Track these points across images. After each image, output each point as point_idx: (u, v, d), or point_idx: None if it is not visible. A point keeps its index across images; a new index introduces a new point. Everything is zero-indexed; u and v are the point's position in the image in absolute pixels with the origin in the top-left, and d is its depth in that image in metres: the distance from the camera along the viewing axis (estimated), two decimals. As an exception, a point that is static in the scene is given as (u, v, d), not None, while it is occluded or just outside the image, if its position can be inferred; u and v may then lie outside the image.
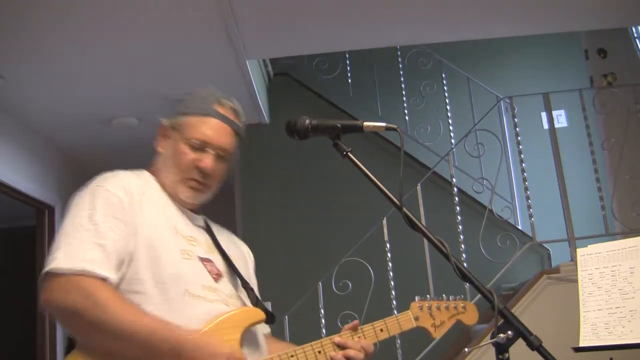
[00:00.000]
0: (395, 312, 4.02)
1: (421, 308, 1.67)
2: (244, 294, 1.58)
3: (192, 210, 1.62)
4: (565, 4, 3.82)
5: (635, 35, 4.92)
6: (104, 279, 1.35)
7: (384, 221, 4.11)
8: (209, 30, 3.55)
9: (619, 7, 3.91)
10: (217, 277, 1.51)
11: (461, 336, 4.32)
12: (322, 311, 4.14)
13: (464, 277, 1.27)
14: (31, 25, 3.30)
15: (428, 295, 1.70)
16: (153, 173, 1.62)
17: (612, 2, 3.83)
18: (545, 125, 4.47)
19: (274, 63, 5.37)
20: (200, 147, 1.57)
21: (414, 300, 1.69)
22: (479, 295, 1.31)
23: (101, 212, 1.43)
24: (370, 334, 1.58)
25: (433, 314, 1.68)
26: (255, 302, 1.58)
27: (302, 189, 5.06)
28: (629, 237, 1.96)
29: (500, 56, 5.83)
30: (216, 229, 1.68)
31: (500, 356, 1.21)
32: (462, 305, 1.72)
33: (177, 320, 1.37)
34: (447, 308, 1.69)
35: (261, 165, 5.10)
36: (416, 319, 1.66)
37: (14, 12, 3.15)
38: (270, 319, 1.55)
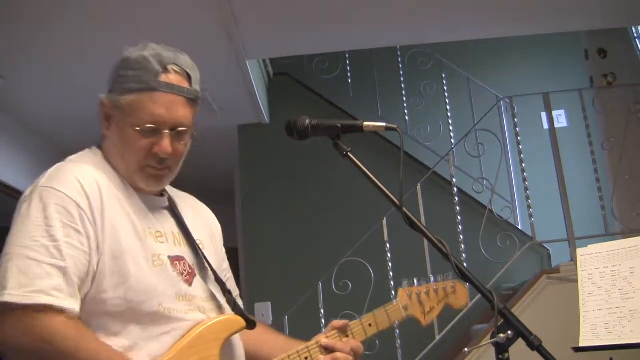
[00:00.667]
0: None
1: (410, 295, 1.61)
2: (217, 290, 1.43)
3: (154, 193, 1.43)
4: (565, 4, 3.82)
5: (635, 35, 4.92)
6: (65, 311, 1.18)
7: (384, 221, 4.11)
8: (209, 30, 3.55)
9: (619, 7, 3.91)
10: (189, 277, 1.36)
11: (461, 336, 4.32)
12: (322, 311, 4.14)
13: (464, 277, 1.27)
14: (31, 25, 3.29)
15: (415, 280, 1.64)
16: (105, 154, 1.40)
17: (612, 2, 3.83)
18: (545, 125, 4.47)
19: (274, 63, 5.37)
20: (153, 130, 1.32)
21: (402, 284, 1.64)
22: (478, 295, 1.31)
23: (59, 225, 1.21)
24: (359, 331, 1.50)
25: (422, 301, 1.61)
26: (234, 304, 1.44)
27: (302, 189, 5.06)
28: (629, 237, 1.96)
29: (500, 56, 5.83)
30: (180, 205, 1.49)
31: (500, 356, 1.21)
32: (451, 285, 1.65)
33: (153, 339, 1.26)
34: (436, 292, 1.63)
35: (261, 165, 5.10)
36: (405, 308, 1.60)
37: (14, 12, 3.15)
38: (250, 325, 1.40)
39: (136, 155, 1.34)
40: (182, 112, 1.35)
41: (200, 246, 1.45)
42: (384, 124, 1.39)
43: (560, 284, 3.63)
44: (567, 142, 4.46)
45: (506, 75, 5.73)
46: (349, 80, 5.52)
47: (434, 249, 1.29)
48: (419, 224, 1.32)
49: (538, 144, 4.62)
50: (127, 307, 1.24)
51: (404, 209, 1.31)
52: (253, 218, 5.00)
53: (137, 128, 1.32)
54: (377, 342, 3.75)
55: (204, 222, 1.55)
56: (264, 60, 5.09)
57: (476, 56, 5.69)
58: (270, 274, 4.77)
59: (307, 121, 1.45)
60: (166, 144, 1.33)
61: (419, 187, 4.23)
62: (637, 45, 4.90)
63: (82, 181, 1.28)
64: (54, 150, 4.92)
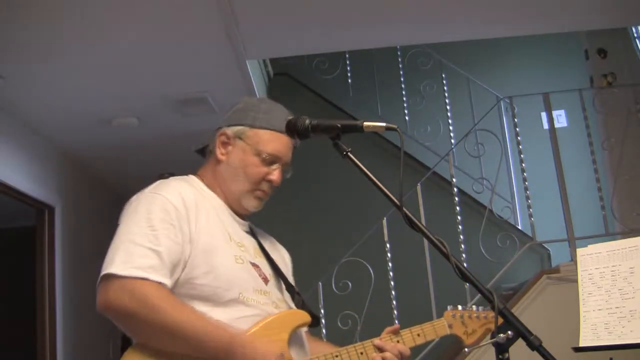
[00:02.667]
0: (395, 312, 4.03)
1: (454, 316, 1.76)
2: (288, 298, 1.67)
3: (240, 216, 1.69)
4: (565, 4, 3.82)
5: (635, 35, 4.92)
6: (158, 284, 1.41)
7: (384, 221, 4.11)
8: (209, 30, 3.55)
9: (619, 7, 3.90)
10: (265, 280, 1.60)
11: (461, 336, 4.32)
12: (322, 311, 4.14)
13: (464, 277, 1.27)
14: (31, 25, 3.29)
15: (459, 306, 1.78)
16: (202, 178, 1.68)
17: (612, 2, 3.83)
18: (545, 125, 4.48)
19: (274, 63, 5.37)
20: (271, 161, 1.63)
21: (447, 308, 1.77)
22: (479, 295, 1.31)
23: (158, 218, 1.48)
24: (408, 338, 1.66)
25: (465, 322, 1.76)
26: (302, 305, 1.65)
27: (302, 189, 5.05)
28: (629, 237, 1.96)
29: (500, 56, 5.83)
30: (259, 234, 1.77)
31: (500, 356, 1.21)
32: (492, 315, 1.78)
33: (233, 321, 1.46)
34: (477, 317, 1.78)
35: (261, 165, 5.09)
36: (450, 326, 1.75)
37: (14, 11, 3.15)
38: (315, 321, 1.62)
39: (254, 178, 1.64)
40: (290, 153, 1.69)
41: (275, 262, 1.69)
42: (384, 124, 1.39)
43: (560, 284, 3.63)
44: (567, 142, 4.46)
45: (506, 75, 5.74)
46: (349, 80, 5.52)
47: (434, 249, 1.29)
48: (419, 224, 1.32)
49: (538, 144, 4.62)
50: (213, 292, 1.48)
51: (404, 209, 1.32)
52: (253, 218, 4.98)
53: (263, 155, 1.62)
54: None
55: (278, 253, 1.81)
56: (264, 60, 5.09)
57: (476, 56, 5.69)
58: (270, 274, 4.76)
59: (307, 121, 1.46)
60: (278, 173, 1.66)
61: (419, 187, 4.23)
62: (637, 45, 4.90)
63: (181, 191, 1.56)
64: (54, 150, 4.92)
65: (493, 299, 1.21)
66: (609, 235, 3.80)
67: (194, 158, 1.82)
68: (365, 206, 4.42)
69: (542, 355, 1.17)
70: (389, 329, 1.64)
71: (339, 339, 1.84)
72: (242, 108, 1.70)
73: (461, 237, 4.16)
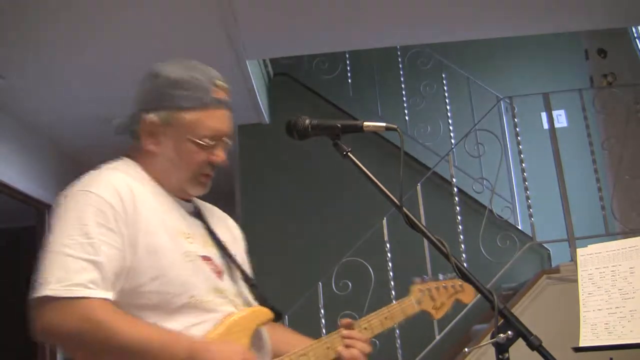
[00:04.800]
0: (395, 312, 4.02)
1: (422, 291, 1.68)
2: (245, 289, 1.52)
3: (184, 198, 1.53)
4: (565, 4, 3.82)
5: (635, 35, 4.92)
6: (103, 300, 1.27)
7: (384, 221, 4.11)
8: (209, 30, 3.56)
9: (619, 7, 3.91)
10: (219, 275, 1.44)
11: (461, 336, 4.32)
12: (322, 311, 4.14)
13: (464, 277, 1.27)
14: (31, 25, 3.30)
15: (425, 276, 1.71)
16: (138, 161, 1.50)
17: (612, 2, 3.83)
18: (545, 125, 4.47)
19: (274, 63, 5.37)
20: (210, 142, 1.46)
21: (412, 281, 1.70)
22: (479, 295, 1.31)
23: (94, 224, 1.31)
24: (377, 323, 1.59)
25: (433, 296, 1.70)
26: (262, 299, 1.52)
27: (302, 189, 5.06)
28: (629, 237, 1.96)
29: (500, 56, 5.83)
30: (205, 211, 1.59)
31: (500, 356, 1.21)
32: (459, 283, 1.74)
33: (187, 330, 1.33)
34: (445, 288, 1.72)
35: (261, 165, 5.10)
36: (418, 302, 1.67)
37: (15, 12, 3.15)
38: (277, 317, 1.49)
39: (195, 166, 1.46)
40: (230, 123, 1.50)
41: (227, 247, 1.54)
42: (384, 124, 1.38)
43: (560, 284, 3.63)
44: (567, 142, 4.46)
45: (506, 75, 5.74)
46: (349, 80, 5.52)
47: (434, 249, 1.29)
48: (419, 224, 1.32)
49: (538, 144, 4.62)
50: (161, 299, 1.33)
51: (404, 209, 1.31)
52: (253, 218, 5.00)
53: (200, 142, 1.44)
54: (377, 342, 3.75)
55: (227, 230, 1.64)
56: (264, 60, 5.09)
57: (476, 56, 5.69)
58: (270, 273, 4.76)
59: (307, 121, 1.45)
60: (222, 153, 1.48)
61: (419, 187, 4.23)
62: (637, 45, 4.90)
63: (116, 184, 1.38)
64: (54, 150, 4.92)
65: (493, 299, 1.21)
66: (609, 235, 3.80)
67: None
68: (365, 206, 4.42)
69: (542, 355, 1.17)
70: (344, 322, 1.55)
71: (339, 339, 1.82)
72: (160, 85, 1.47)
73: (461, 237, 4.16)
